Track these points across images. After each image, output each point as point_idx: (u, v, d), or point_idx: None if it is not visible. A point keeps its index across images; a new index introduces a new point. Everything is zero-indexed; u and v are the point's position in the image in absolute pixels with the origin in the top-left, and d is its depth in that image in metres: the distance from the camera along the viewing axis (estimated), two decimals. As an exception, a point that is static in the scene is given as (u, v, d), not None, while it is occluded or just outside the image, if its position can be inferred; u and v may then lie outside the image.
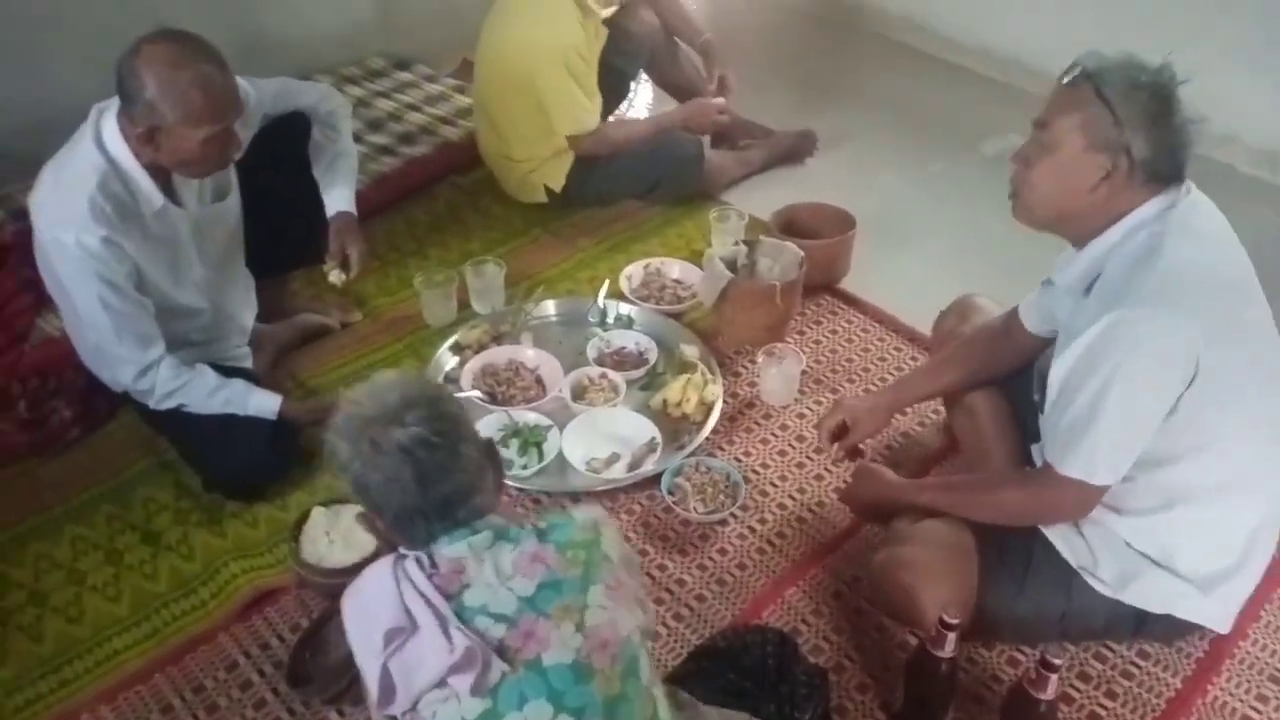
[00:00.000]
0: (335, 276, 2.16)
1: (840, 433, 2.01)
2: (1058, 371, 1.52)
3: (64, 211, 1.79)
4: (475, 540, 1.13)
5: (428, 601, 1.10)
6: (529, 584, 1.11)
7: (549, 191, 2.80)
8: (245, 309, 2.20)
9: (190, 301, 2.01)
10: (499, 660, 1.08)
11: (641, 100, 3.29)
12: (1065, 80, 1.48)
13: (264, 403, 2.01)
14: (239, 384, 2.00)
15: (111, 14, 2.85)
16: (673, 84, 3.03)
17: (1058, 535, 1.62)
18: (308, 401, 2.14)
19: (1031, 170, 1.52)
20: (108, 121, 1.82)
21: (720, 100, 2.85)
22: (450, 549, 1.13)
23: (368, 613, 1.14)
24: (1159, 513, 1.57)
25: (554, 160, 2.76)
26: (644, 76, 3.07)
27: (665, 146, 2.81)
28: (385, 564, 1.16)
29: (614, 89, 2.86)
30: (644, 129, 2.83)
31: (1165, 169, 1.47)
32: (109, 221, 1.79)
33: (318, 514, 1.85)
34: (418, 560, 1.14)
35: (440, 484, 1.13)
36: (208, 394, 1.96)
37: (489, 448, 1.23)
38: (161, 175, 1.88)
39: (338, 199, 2.20)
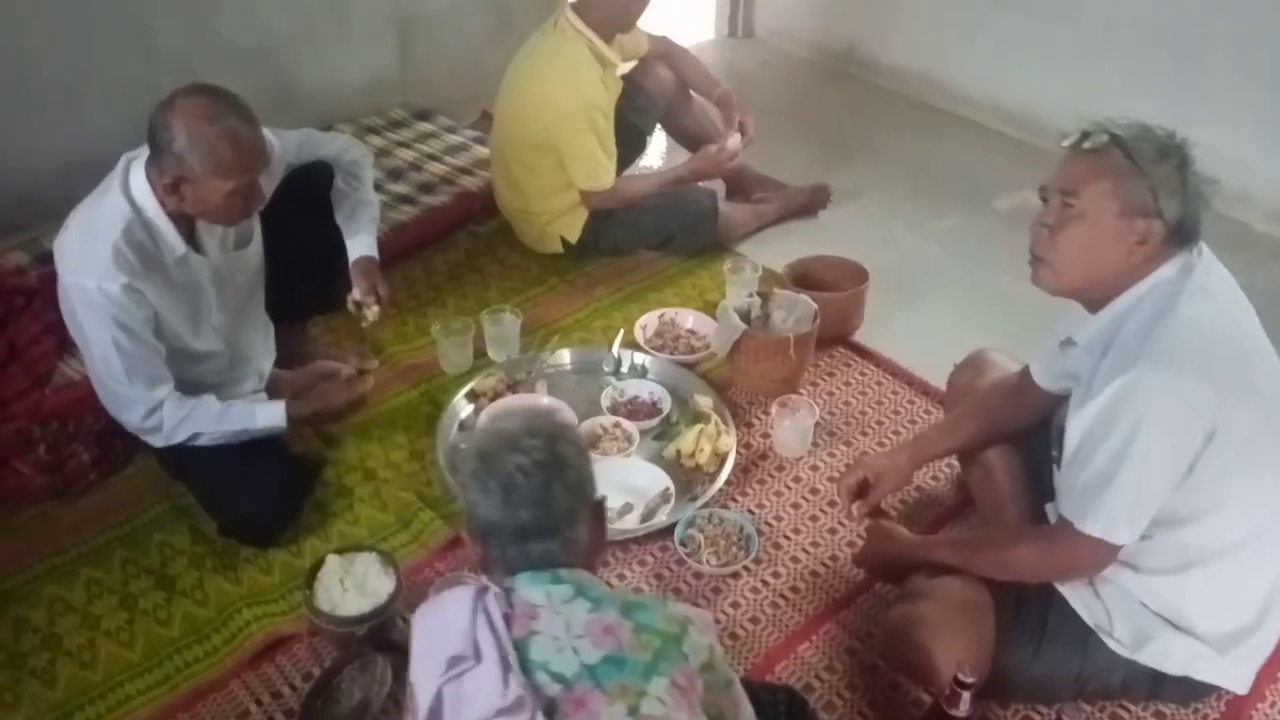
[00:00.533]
0: (371, 313, 2.20)
1: (861, 490, 2.00)
2: (1075, 429, 1.52)
3: (88, 258, 1.83)
4: (555, 590, 1.17)
5: (497, 641, 1.12)
6: (595, 652, 1.12)
7: (565, 243, 2.84)
8: (264, 354, 2.23)
9: (207, 346, 2.04)
10: (545, 719, 1.07)
11: (656, 151, 3.33)
12: (1087, 146, 1.49)
13: (270, 413, 2.03)
14: (240, 404, 2.03)
15: (142, 65, 2.94)
16: (687, 135, 3.07)
17: (1073, 594, 1.62)
18: (307, 397, 2.15)
19: (1059, 238, 1.51)
20: (136, 171, 1.86)
21: (733, 143, 2.85)
22: (529, 591, 1.17)
23: (439, 633, 1.17)
24: (1177, 573, 1.57)
25: (571, 213, 2.79)
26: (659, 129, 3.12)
27: (679, 200, 2.85)
28: (468, 591, 1.19)
29: (630, 143, 2.90)
30: (656, 183, 2.86)
31: (1190, 231, 1.49)
32: (131, 269, 1.83)
33: (332, 561, 1.85)
34: (496, 596, 1.17)
35: (522, 509, 1.20)
36: (216, 418, 1.98)
37: (596, 506, 1.28)
38: (185, 223, 1.92)
39: (361, 244, 2.24)
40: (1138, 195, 1.45)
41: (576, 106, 2.62)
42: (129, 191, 1.85)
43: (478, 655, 1.11)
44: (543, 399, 2.33)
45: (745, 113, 2.91)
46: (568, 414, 1.70)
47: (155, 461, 2.14)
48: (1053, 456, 1.69)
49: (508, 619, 1.14)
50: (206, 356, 2.05)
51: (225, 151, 1.78)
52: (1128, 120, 1.49)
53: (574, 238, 2.82)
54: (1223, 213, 2.99)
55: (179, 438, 1.97)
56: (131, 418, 1.95)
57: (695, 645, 1.18)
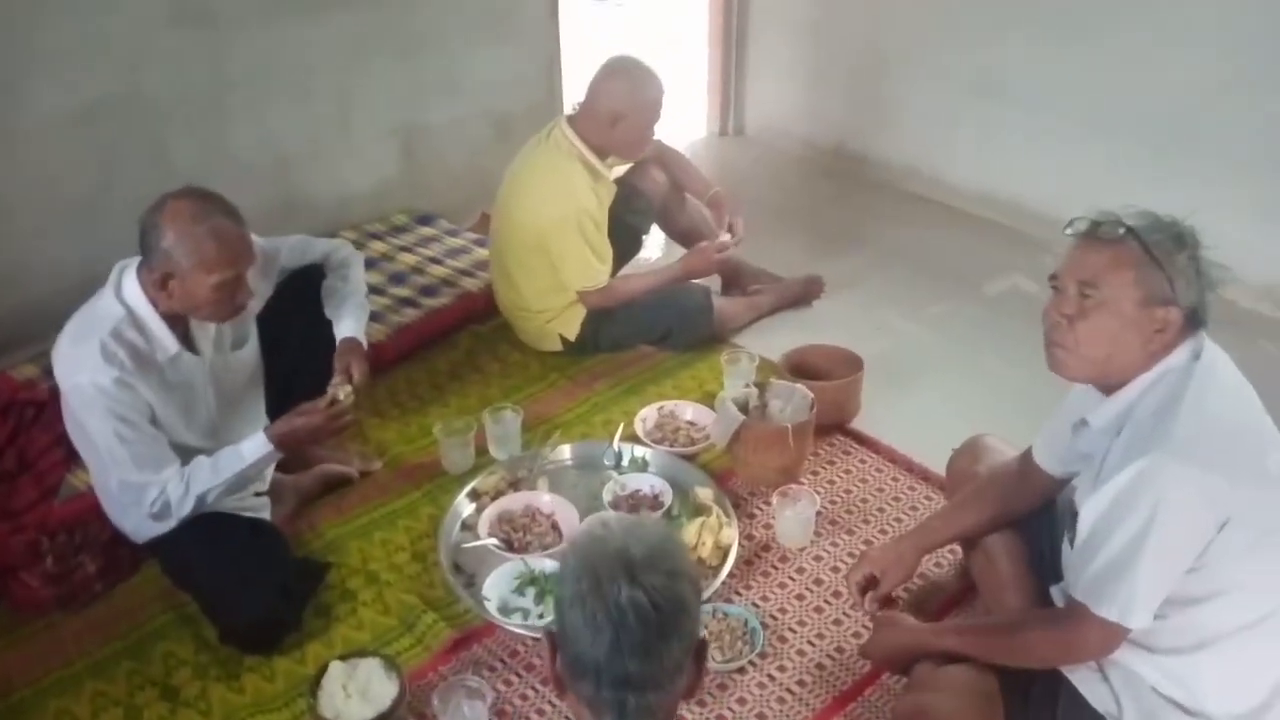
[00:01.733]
0: (343, 393, 2.13)
1: (869, 585, 2.00)
2: (1088, 513, 1.54)
3: (79, 358, 1.90)
4: None
5: None
6: None
7: (564, 340, 2.89)
8: (264, 457, 2.26)
9: (200, 444, 2.06)
10: None
11: (652, 247, 3.40)
12: (1103, 236, 1.51)
13: (254, 446, 2.02)
14: (225, 450, 2.02)
15: (158, 182, 2.99)
16: (682, 234, 3.15)
17: (1082, 680, 1.61)
18: (287, 416, 2.08)
19: (1078, 326, 1.53)
20: (128, 275, 1.95)
21: (723, 239, 2.91)
22: None
23: None
24: (1190, 653, 1.56)
25: (568, 311, 2.86)
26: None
27: (674, 297, 2.91)
28: None
29: (626, 243, 2.98)
30: (650, 283, 2.92)
31: (1202, 317, 1.53)
32: (121, 365, 1.89)
33: (335, 668, 1.85)
34: None
35: (629, 660, 1.09)
36: (210, 470, 1.98)
37: (699, 649, 1.17)
38: (179, 324, 1.99)
39: (345, 328, 2.27)
40: (1158, 285, 1.49)
41: (567, 214, 2.69)
42: (121, 294, 1.94)
43: None
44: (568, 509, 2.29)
45: (735, 213, 2.99)
46: (676, 538, 1.41)
47: (160, 569, 2.14)
48: (1064, 537, 1.69)
49: None
50: (200, 453, 2.06)
51: (210, 247, 1.86)
52: (1133, 208, 1.54)
53: (572, 335, 2.87)
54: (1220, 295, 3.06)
55: (188, 507, 1.97)
56: (139, 513, 1.97)
57: None
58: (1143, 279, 1.49)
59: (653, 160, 3.03)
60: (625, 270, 3.03)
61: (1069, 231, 1.57)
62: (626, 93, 2.71)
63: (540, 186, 2.76)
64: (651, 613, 1.08)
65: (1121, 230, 1.51)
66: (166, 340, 1.96)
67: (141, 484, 1.95)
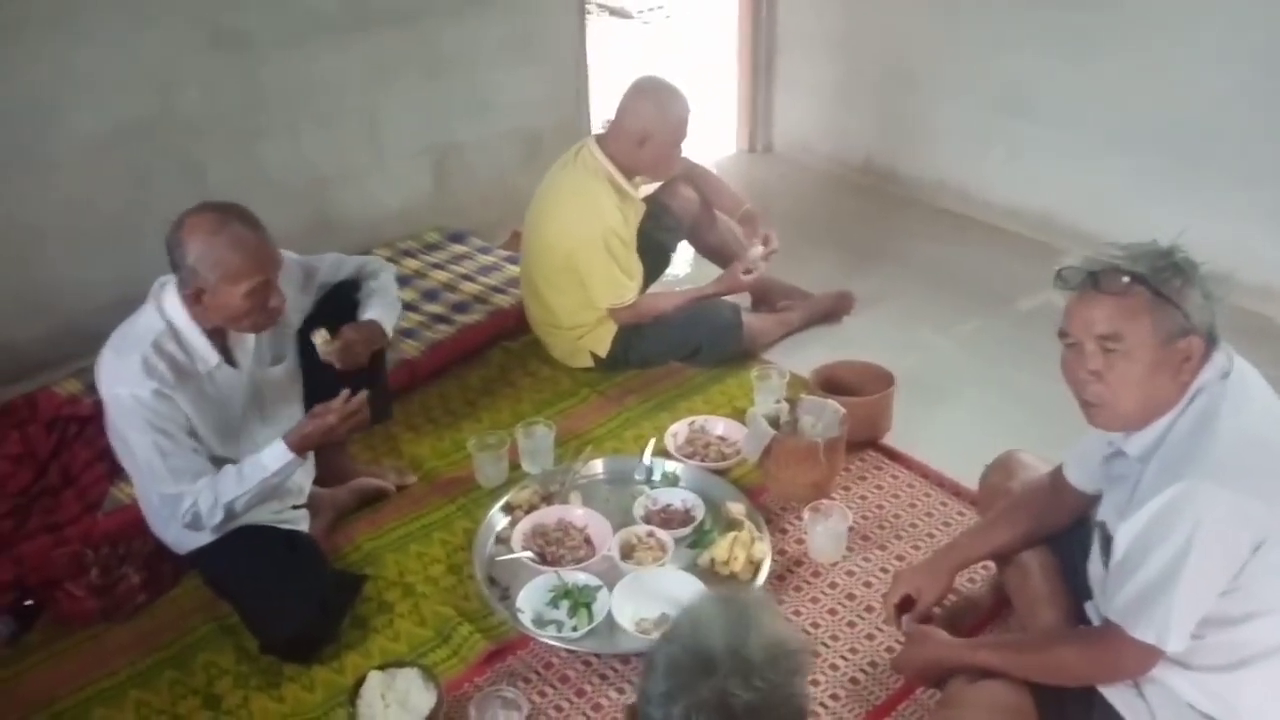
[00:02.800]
0: (320, 339, 2.13)
1: (905, 605, 2.00)
2: (1124, 535, 1.54)
3: (120, 369, 1.93)
4: None
5: None
6: None
7: (595, 357, 2.92)
8: (303, 472, 2.28)
9: (239, 458, 2.08)
10: None
11: (681, 263, 3.43)
12: (1108, 289, 1.50)
13: (274, 454, 2.01)
14: (248, 459, 2.02)
15: (194, 201, 3.05)
16: (712, 250, 3.18)
17: (1118, 697, 1.60)
18: (301, 422, 2.08)
19: (1110, 380, 1.52)
20: (169, 289, 1.99)
21: (754, 252, 2.89)
22: None
23: None
24: (1228, 671, 1.55)
25: (599, 328, 2.88)
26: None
27: (704, 314, 2.92)
28: None
29: (655, 260, 3.00)
30: (679, 300, 2.94)
31: (1216, 332, 1.54)
32: (160, 377, 1.92)
33: (374, 678, 1.88)
34: None
35: None
36: (235, 479, 1.99)
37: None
38: (219, 338, 2.03)
39: (367, 314, 2.26)
40: (1175, 322, 1.49)
41: (594, 234, 2.72)
42: (162, 308, 1.98)
43: None
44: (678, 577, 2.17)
45: (768, 226, 3.01)
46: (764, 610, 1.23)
47: (202, 580, 2.18)
48: (1094, 552, 1.69)
49: None
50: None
51: (232, 257, 1.90)
52: (1121, 245, 1.54)
53: (603, 352, 2.90)
54: (1244, 307, 3.06)
55: (218, 517, 1.99)
56: (175, 524, 2.01)
57: None
58: (1160, 321, 1.49)
59: (683, 178, 3.06)
60: (654, 288, 3.06)
61: (1060, 286, 1.56)
62: (653, 113, 2.73)
63: (568, 206, 2.79)
64: None
65: (1125, 279, 1.50)
66: (207, 353, 2.00)
67: (176, 495, 1.98)
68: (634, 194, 2.84)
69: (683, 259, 3.41)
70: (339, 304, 2.31)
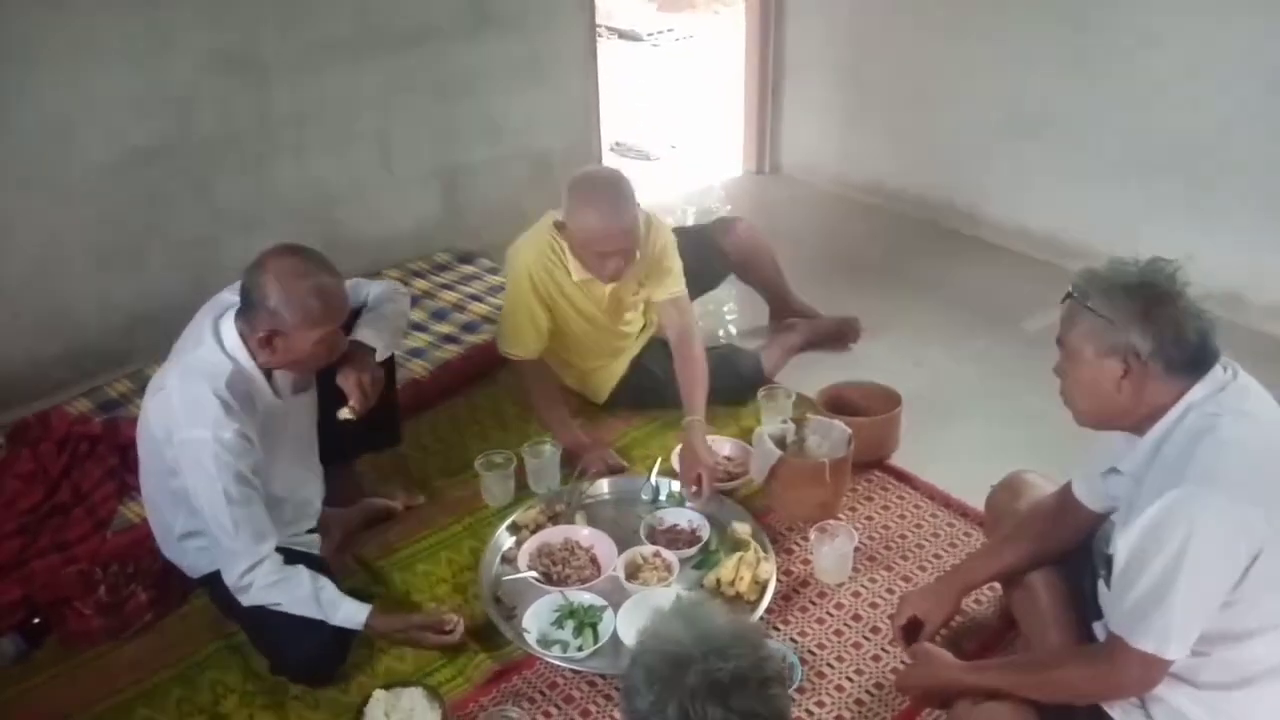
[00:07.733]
0: (344, 413, 2.10)
1: (912, 627, 2.00)
2: (1123, 546, 1.54)
3: (198, 410, 1.89)
4: None
5: None
6: None
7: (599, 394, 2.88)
8: (316, 494, 2.30)
9: (278, 491, 2.08)
10: None
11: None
12: (1064, 299, 1.63)
13: (351, 614, 2.01)
14: (331, 590, 2.01)
15: (204, 223, 3.14)
16: (758, 285, 3.21)
17: (1124, 715, 1.59)
18: (395, 616, 2.12)
19: (1065, 382, 1.66)
20: (226, 325, 1.96)
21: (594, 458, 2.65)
22: None
23: None
24: (1235, 689, 1.55)
25: (606, 368, 2.84)
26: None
27: (727, 362, 2.83)
28: None
29: (700, 286, 2.94)
30: (548, 417, 2.71)
31: (1179, 356, 1.53)
32: (238, 417, 1.91)
33: (378, 696, 1.88)
34: None
35: None
36: (303, 598, 1.98)
37: None
38: (266, 373, 2.01)
39: (359, 335, 2.19)
40: (1106, 336, 1.55)
41: (514, 272, 2.61)
42: (223, 345, 1.95)
43: None
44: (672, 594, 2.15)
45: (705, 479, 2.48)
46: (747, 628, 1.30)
47: (210, 599, 2.19)
48: (1099, 575, 1.69)
49: None
50: (275, 503, 2.07)
51: (315, 305, 1.90)
52: (1115, 260, 1.60)
53: (600, 400, 2.87)
54: (1256, 328, 3.06)
55: (262, 600, 1.97)
56: (229, 574, 1.97)
57: None
58: (1091, 332, 1.57)
59: (669, 316, 2.75)
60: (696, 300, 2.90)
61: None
62: (567, 208, 2.48)
63: (517, 243, 2.67)
64: None
65: (1071, 291, 1.61)
66: (266, 390, 2.00)
67: (232, 551, 1.94)
68: (569, 271, 2.58)
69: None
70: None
